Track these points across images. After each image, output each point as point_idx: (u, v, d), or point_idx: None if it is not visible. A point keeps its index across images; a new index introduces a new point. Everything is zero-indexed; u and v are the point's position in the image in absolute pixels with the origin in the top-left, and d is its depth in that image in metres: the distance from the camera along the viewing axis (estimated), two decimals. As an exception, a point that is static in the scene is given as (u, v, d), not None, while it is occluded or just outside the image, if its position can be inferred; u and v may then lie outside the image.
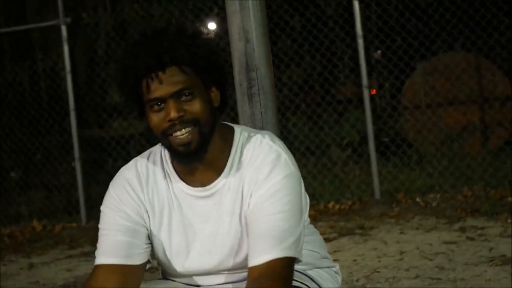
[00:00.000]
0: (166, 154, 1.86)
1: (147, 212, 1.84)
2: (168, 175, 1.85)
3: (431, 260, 4.42)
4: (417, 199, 6.09)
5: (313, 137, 7.14)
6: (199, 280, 1.87)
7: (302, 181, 1.81)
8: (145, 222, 1.84)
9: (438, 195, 6.12)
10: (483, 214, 5.51)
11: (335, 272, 2.03)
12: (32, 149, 8.08)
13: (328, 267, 2.01)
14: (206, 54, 1.75)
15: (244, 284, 1.76)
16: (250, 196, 1.76)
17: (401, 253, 4.68)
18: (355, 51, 6.44)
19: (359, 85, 6.66)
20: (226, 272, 1.84)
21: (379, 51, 7.74)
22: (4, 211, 7.65)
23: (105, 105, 8.81)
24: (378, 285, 4.03)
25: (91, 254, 5.69)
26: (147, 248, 1.84)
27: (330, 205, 6.37)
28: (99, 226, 1.86)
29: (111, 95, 9.26)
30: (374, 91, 7.82)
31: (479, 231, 5.04)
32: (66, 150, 7.67)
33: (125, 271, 1.78)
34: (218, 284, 1.86)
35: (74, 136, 6.89)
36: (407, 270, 4.25)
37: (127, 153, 7.43)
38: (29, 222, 7.13)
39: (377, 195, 6.28)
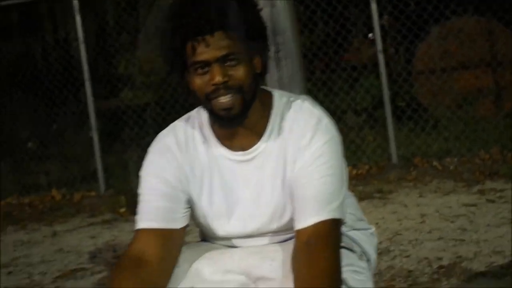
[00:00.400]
0: (205, 118, 1.87)
1: (187, 178, 1.86)
2: (208, 140, 1.86)
3: (452, 222, 4.46)
4: (434, 163, 6.11)
5: (328, 103, 7.15)
6: (241, 242, 1.90)
7: (342, 144, 1.84)
8: (185, 188, 1.86)
9: (455, 159, 6.15)
10: (502, 177, 5.53)
11: (371, 234, 2.07)
12: (48, 120, 8.13)
13: (364, 229, 2.05)
14: (254, 20, 1.76)
15: (287, 243, 1.80)
16: (294, 161, 1.79)
17: (422, 215, 4.72)
18: (369, 17, 6.43)
19: (373, 50, 6.65)
20: (269, 234, 1.87)
21: (385, 16, 7.71)
22: (23, 181, 7.72)
23: (119, 75, 8.83)
24: (401, 247, 4.08)
25: (112, 222, 5.77)
26: (186, 212, 1.86)
27: (348, 170, 6.41)
28: (139, 191, 1.88)
29: (123, 65, 9.26)
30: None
31: (498, 194, 5.07)
32: (82, 121, 7.70)
33: (166, 234, 1.81)
34: (256, 246, 1.89)
35: (90, 107, 6.93)
36: (429, 232, 4.30)
37: (144, 121, 7.47)
38: (48, 192, 7.20)
39: (394, 159, 6.31)
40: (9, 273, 4.64)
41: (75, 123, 8.14)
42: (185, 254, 1.87)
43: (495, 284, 3.41)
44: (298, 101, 1.84)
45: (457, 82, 7.27)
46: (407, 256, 3.92)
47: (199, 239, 2.02)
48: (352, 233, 1.96)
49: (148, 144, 1.95)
